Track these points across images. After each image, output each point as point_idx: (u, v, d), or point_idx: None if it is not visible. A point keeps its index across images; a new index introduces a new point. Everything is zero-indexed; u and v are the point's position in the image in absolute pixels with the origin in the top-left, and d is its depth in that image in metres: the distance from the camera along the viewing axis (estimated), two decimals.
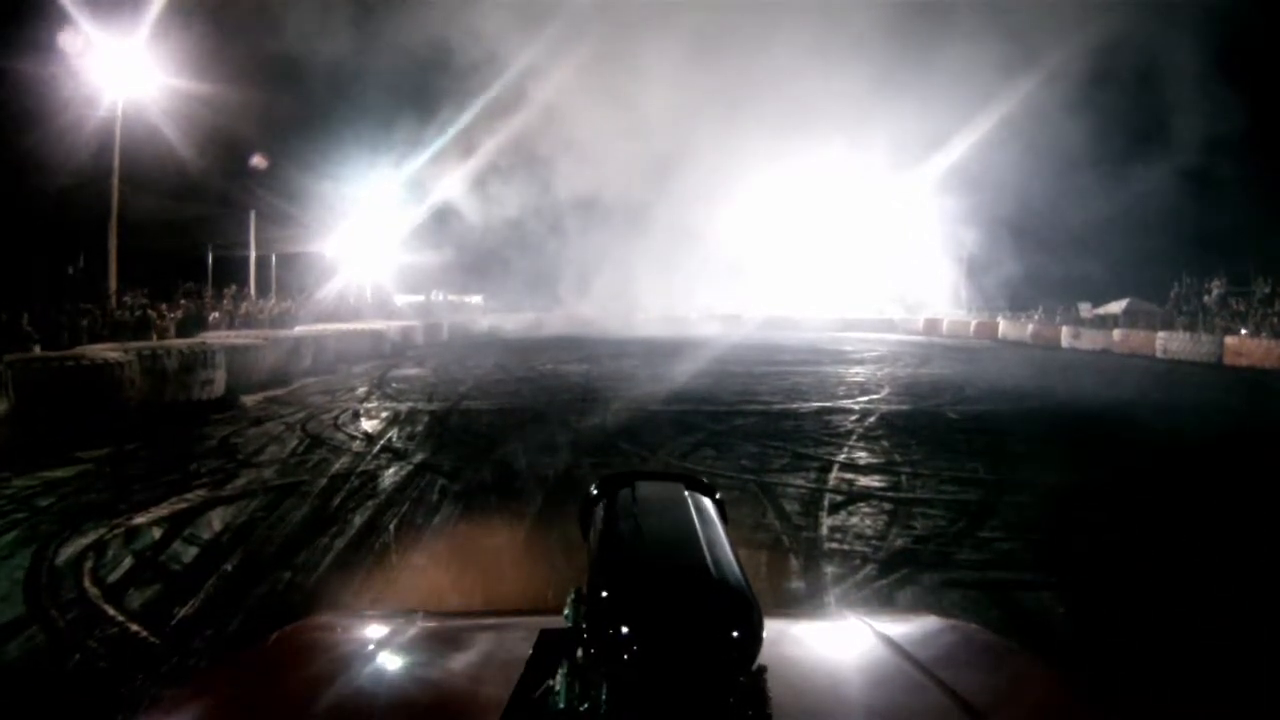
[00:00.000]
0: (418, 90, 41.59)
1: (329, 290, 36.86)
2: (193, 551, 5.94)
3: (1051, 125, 39.40)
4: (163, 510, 6.98)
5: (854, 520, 6.88)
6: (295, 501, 7.34)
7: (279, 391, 16.08)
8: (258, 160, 30.21)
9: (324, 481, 8.12)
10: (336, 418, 12.33)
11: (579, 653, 0.85)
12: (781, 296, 47.86)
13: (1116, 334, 31.84)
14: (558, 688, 0.84)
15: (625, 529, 0.93)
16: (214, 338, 18.74)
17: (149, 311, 20.18)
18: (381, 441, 10.41)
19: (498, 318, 41.15)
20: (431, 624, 1.47)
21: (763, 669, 0.80)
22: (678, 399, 14.72)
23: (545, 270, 44.60)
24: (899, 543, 6.26)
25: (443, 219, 43.24)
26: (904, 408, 14.13)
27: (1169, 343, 28.39)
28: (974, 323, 41.88)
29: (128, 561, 5.72)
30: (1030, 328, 37.24)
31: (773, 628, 0.85)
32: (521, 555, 5.90)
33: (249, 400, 14.84)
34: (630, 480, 1.07)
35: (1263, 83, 34.78)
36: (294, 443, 10.41)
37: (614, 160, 40.64)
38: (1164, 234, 37.31)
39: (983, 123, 40.85)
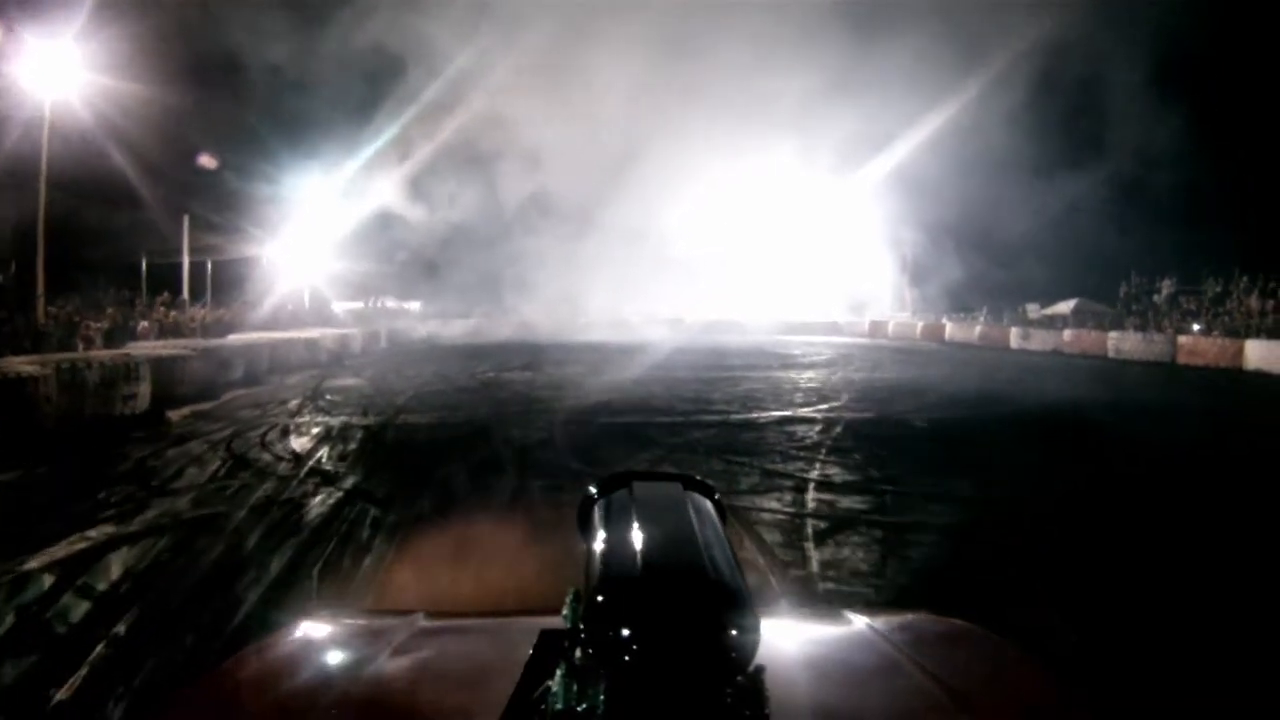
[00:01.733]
0: (355, 92, 40.53)
1: (267, 297, 35.39)
2: (84, 607, 5.09)
3: (993, 128, 40.00)
4: (59, 551, 6.08)
5: (845, 553, 6.23)
6: (208, 540, 6.47)
7: (207, 405, 15.02)
8: (203, 160, 28.79)
9: (242, 514, 7.25)
10: (264, 435, 11.40)
11: (577, 653, 0.83)
12: (725, 299, 47.44)
13: (1067, 334, 31.91)
14: (556, 688, 0.81)
15: (623, 529, 0.88)
16: (141, 348, 17.59)
17: (74, 321, 18.79)
18: (310, 463, 9.55)
19: (437, 324, 39.92)
20: (431, 624, 1.45)
21: (761, 668, 0.78)
22: (630, 409, 14.07)
23: (486, 275, 43.38)
24: (901, 580, 5.67)
25: (382, 223, 42.07)
26: (868, 415, 13.68)
27: (1121, 343, 28.49)
28: (920, 325, 42.02)
29: (9, 620, 4.87)
30: (978, 329, 37.34)
31: (770, 627, 0.81)
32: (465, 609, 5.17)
33: (175, 415, 13.81)
34: (628, 480, 1.03)
35: (1203, 85, 35.47)
36: (215, 465, 9.51)
37: (556, 162, 40.03)
38: (1108, 235, 37.98)
39: (926, 125, 41.30)
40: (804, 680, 1.17)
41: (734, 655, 0.74)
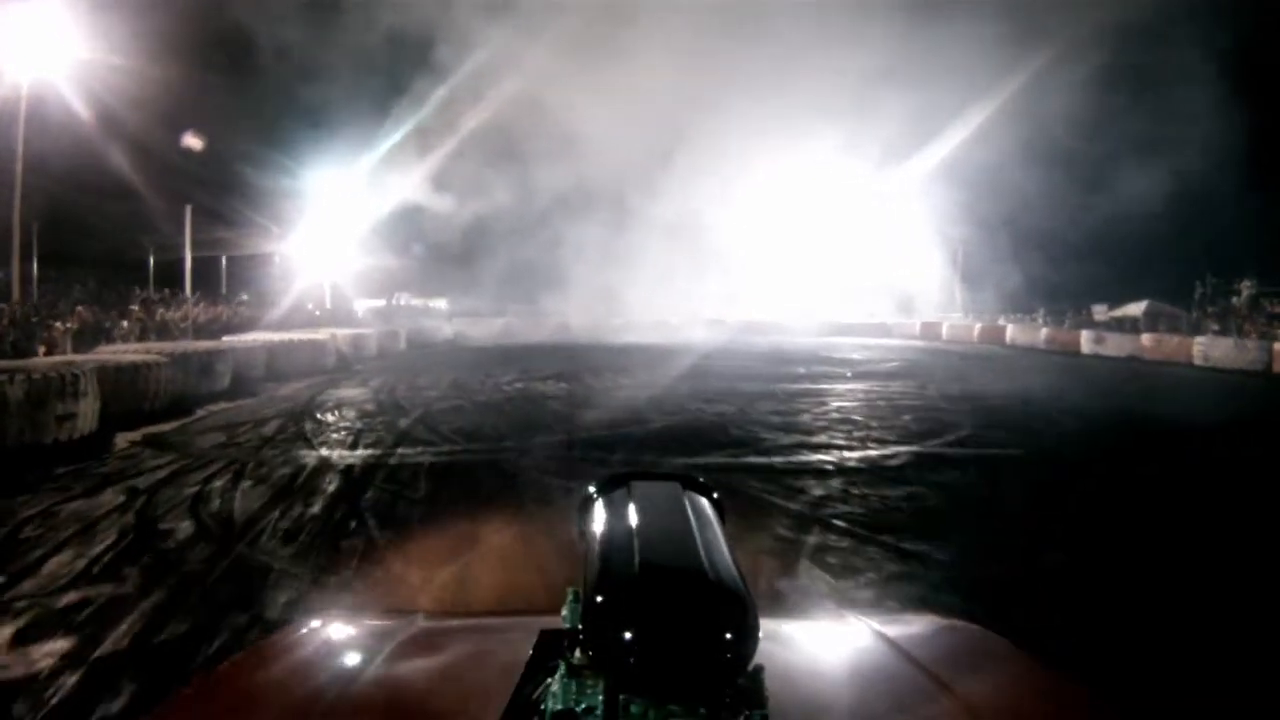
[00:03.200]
0: (380, 77, 37.14)
1: (284, 294, 32.30)
2: None
3: (1049, 118, 35.99)
4: None
5: None
6: None
7: (169, 426, 11.82)
8: (189, 141, 25.45)
9: (73, 682, 3.91)
10: (208, 480, 8.10)
11: (577, 653, 0.82)
12: (765, 298, 43.64)
13: (1146, 339, 28.19)
14: (556, 688, 0.81)
15: (622, 529, 0.87)
16: (106, 353, 14.49)
17: (31, 321, 15.58)
18: (249, 538, 6.22)
19: (463, 323, 36.21)
20: (431, 624, 1.43)
21: (760, 668, 0.77)
22: (703, 441, 10.59)
23: (517, 271, 39.44)
24: None
25: (408, 217, 38.47)
26: (1026, 453, 10.14)
27: (1210, 349, 24.69)
28: (977, 327, 38.22)
29: None
30: (1043, 332, 33.55)
31: (771, 627, 0.84)
32: None
33: (124, 441, 10.67)
34: (627, 480, 1.00)
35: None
36: (111, 537, 6.23)
37: (593, 156, 36.08)
38: (1172, 232, 34.21)
39: (977, 115, 37.19)
40: (805, 681, 1.14)
41: (733, 655, 0.73)
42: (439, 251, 39.52)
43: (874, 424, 12.17)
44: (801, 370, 21.09)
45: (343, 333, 23.16)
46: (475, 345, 31.34)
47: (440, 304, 43.05)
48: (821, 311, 42.28)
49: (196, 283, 29.12)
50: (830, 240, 44.95)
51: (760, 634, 0.74)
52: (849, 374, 20.52)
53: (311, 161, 35.46)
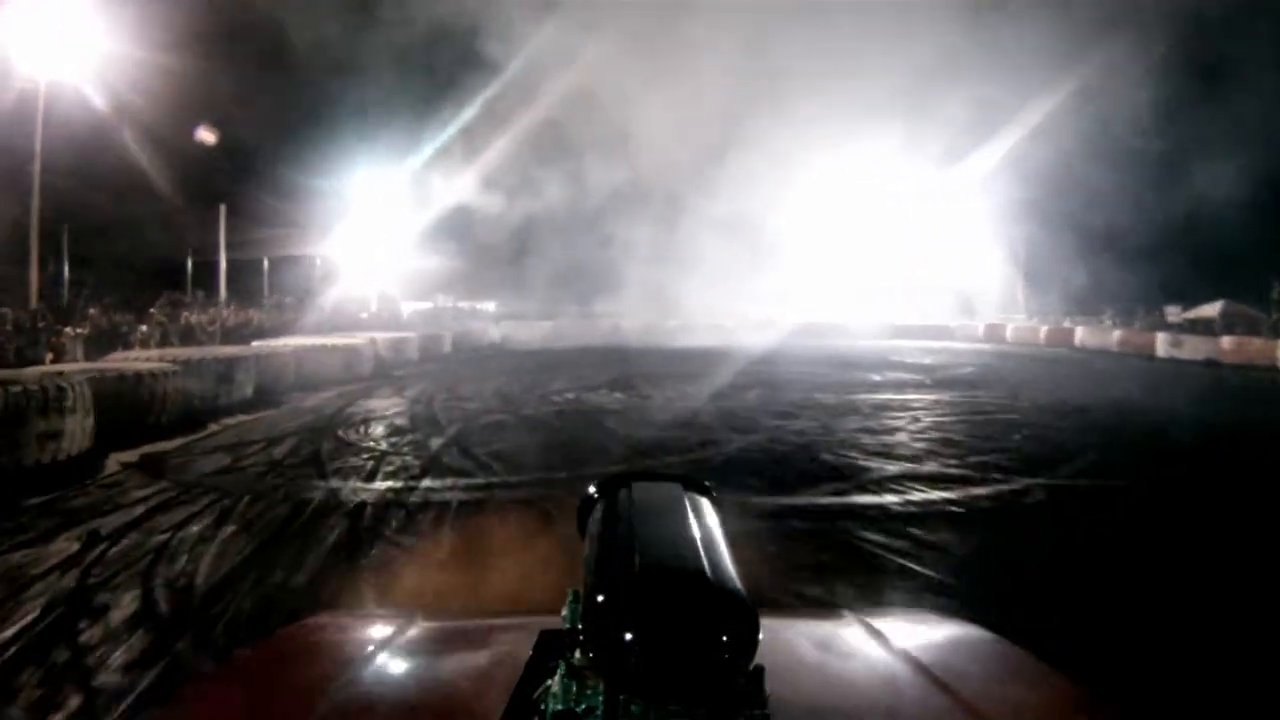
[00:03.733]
0: (428, 75, 35.42)
1: (327, 297, 31.04)
2: None
3: (1114, 113, 33.44)
4: None
5: None
6: None
7: (173, 444, 10.40)
8: (203, 134, 24.18)
9: None
10: (186, 522, 6.49)
11: (577, 653, 0.80)
12: (826, 300, 40.91)
13: (1226, 342, 25.99)
14: (556, 688, 0.80)
15: (622, 530, 0.86)
16: (116, 360, 13.14)
17: (37, 327, 14.23)
18: (201, 624, 4.55)
19: (511, 326, 34.23)
20: (431, 624, 1.38)
21: (760, 668, 0.76)
22: (788, 471, 8.73)
23: (567, 273, 37.35)
24: None
25: (456, 219, 36.86)
26: (1194, 497, 7.90)
27: None
28: (1044, 329, 35.65)
29: None
30: (1115, 334, 31.11)
31: (771, 627, 0.79)
32: None
33: (115, 463, 9.23)
34: (628, 481, 0.99)
35: None
36: (26, 616, 4.68)
37: (646, 152, 34.17)
38: (1241, 231, 31.50)
39: (1039, 111, 34.62)
40: (805, 681, 1.11)
41: (733, 655, 0.72)
42: (488, 253, 37.86)
43: (984, 446, 10.16)
44: (876, 378, 18.96)
45: (383, 336, 21.55)
46: (523, 349, 29.36)
47: (489, 306, 41.39)
48: (879, 313, 40.00)
49: (236, 285, 28.01)
50: (888, 240, 42.61)
51: (760, 634, 0.72)
52: (928, 381, 18.42)
53: (360, 162, 34.26)
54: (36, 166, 16.72)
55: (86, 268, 25.36)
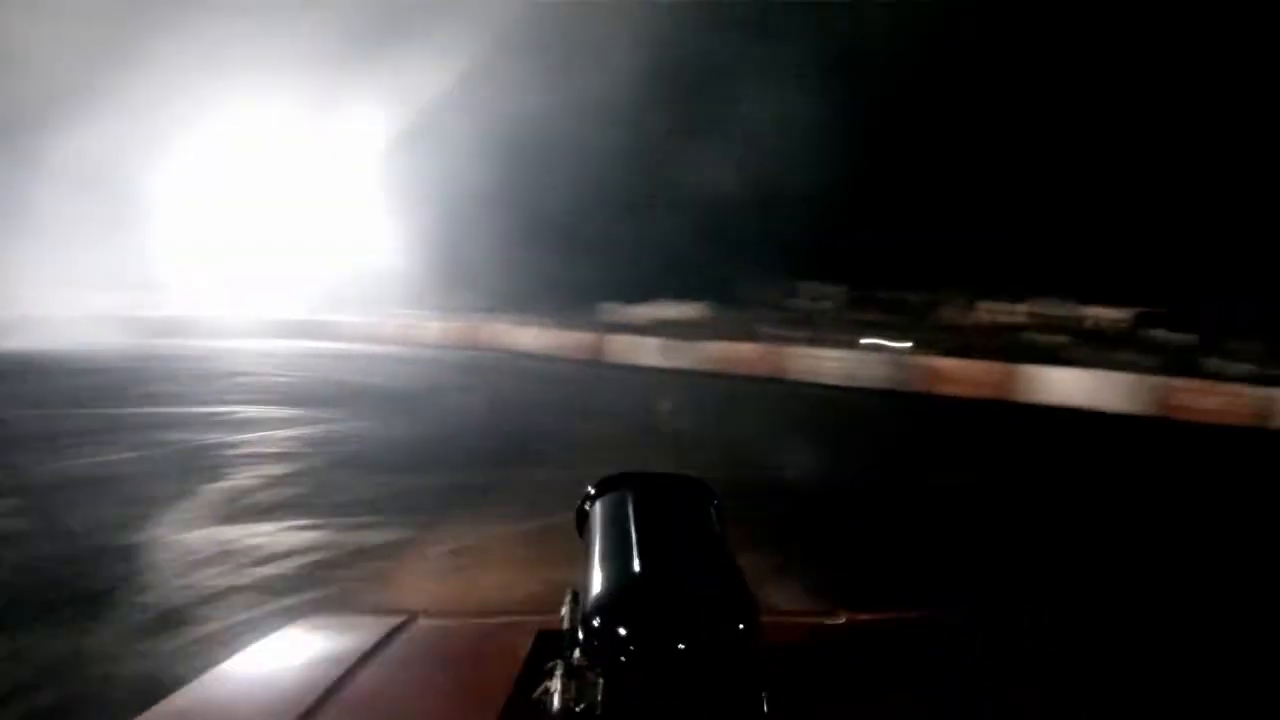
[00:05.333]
0: None
1: None
2: None
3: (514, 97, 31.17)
4: None
5: None
6: None
7: None
8: None
9: None
10: None
11: (575, 653, 0.78)
12: (199, 291, 32.17)
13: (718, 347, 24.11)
14: (554, 688, 0.77)
15: (621, 530, 0.85)
16: None
17: None
18: None
19: None
20: (431, 624, 1.39)
21: (760, 668, 0.74)
22: None
23: None
24: None
25: None
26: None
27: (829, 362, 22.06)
28: (471, 328, 30.19)
29: None
30: (569, 336, 27.45)
31: (770, 627, 0.78)
32: None
33: None
34: (627, 481, 0.97)
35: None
36: None
37: None
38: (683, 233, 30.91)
39: (440, 86, 31.59)
40: (804, 680, 1.09)
41: (732, 655, 0.71)
42: None
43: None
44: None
45: None
46: None
47: None
48: (258, 306, 31.65)
49: None
50: (280, 219, 34.62)
51: (759, 634, 0.71)
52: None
53: None
54: None
55: None
